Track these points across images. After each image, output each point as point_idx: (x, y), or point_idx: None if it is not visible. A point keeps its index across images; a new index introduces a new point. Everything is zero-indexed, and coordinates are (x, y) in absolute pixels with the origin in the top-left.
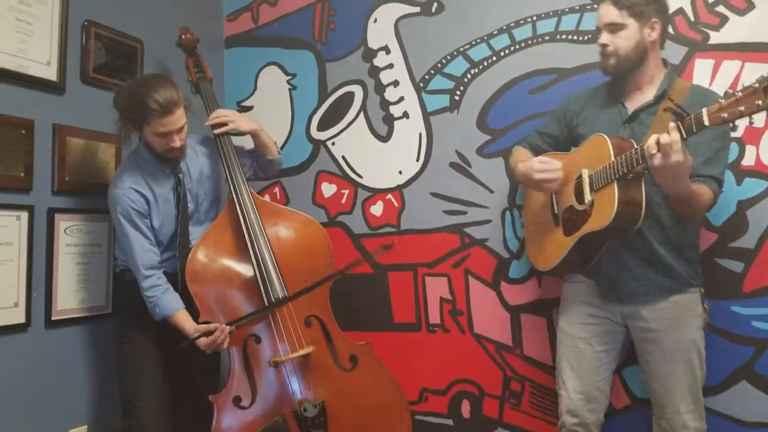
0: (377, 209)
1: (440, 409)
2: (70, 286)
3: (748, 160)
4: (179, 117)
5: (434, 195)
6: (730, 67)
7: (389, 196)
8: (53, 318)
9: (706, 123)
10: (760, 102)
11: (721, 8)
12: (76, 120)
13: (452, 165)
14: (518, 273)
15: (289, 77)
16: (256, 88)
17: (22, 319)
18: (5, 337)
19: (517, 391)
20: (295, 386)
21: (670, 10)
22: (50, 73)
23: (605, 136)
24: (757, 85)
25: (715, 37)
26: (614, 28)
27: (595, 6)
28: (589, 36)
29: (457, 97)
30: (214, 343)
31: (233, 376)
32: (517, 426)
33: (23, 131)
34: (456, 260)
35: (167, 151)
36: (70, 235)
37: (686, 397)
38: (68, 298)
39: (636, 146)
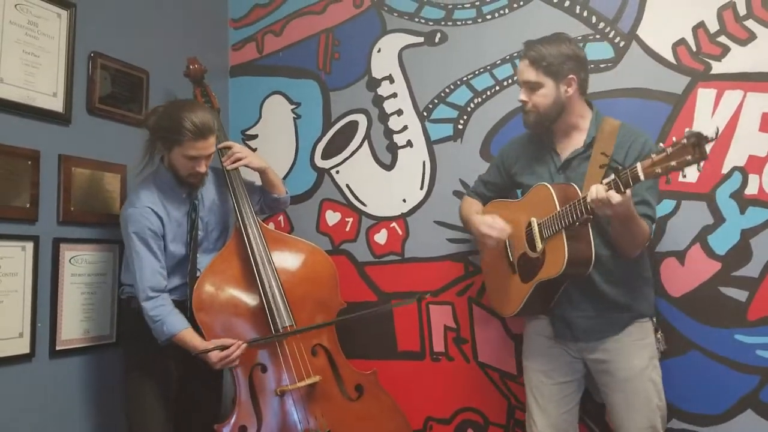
0: (381, 237)
1: None
2: (75, 315)
3: (752, 189)
4: (211, 144)
5: (438, 223)
6: (732, 96)
7: (393, 224)
8: (58, 348)
9: (642, 178)
10: (689, 157)
11: (722, 38)
12: (82, 150)
13: (456, 193)
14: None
15: (294, 106)
16: (260, 116)
17: (26, 350)
18: (10, 368)
19: (521, 420)
20: (302, 415)
21: (674, 39)
22: (56, 105)
23: (548, 185)
24: (685, 141)
25: (717, 67)
26: (531, 86)
27: (598, 36)
28: (592, 66)
29: (460, 126)
30: (227, 358)
31: (239, 405)
32: None
33: (29, 162)
34: (460, 288)
35: (191, 176)
36: (75, 265)
37: (643, 429)
38: (73, 328)
39: (579, 192)
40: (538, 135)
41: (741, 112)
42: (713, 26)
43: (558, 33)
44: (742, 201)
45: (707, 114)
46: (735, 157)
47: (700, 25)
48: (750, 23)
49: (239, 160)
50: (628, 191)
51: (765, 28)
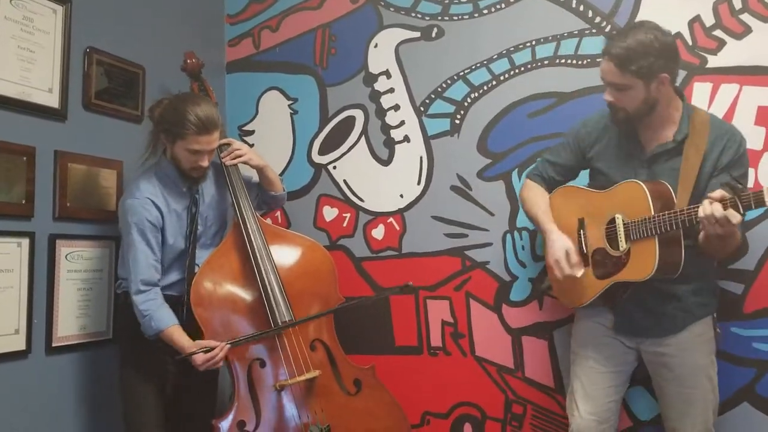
0: (379, 233)
1: None
2: (71, 312)
3: (748, 183)
4: (215, 138)
5: (435, 218)
6: (728, 90)
7: (390, 219)
8: (54, 344)
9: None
10: None
11: (718, 32)
12: (78, 146)
13: (453, 188)
14: (519, 295)
15: (291, 102)
16: (257, 112)
17: (22, 346)
18: (5, 364)
19: (518, 413)
20: (300, 410)
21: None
22: (52, 100)
23: (642, 184)
24: None
25: (713, 61)
26: (618, 87)
27: (594, 31)
28: (588, 60)
29: (457, 121)
30: (210, 360)
31: (237, 400)
32: None
33: (25, 158)
34: (457, 283)
35: (193, 170)
36: (71, 261)
37: (697, 424)
38: (69, 325)
39: (674, 194)
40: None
41: (737, 106)
42: (709, 20)
43: (642, 22)
44: None
45: (703, 108)
46: None
47: (696, 19)
48: (745, 17)
49: (239, 157)
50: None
51: (760, 22)
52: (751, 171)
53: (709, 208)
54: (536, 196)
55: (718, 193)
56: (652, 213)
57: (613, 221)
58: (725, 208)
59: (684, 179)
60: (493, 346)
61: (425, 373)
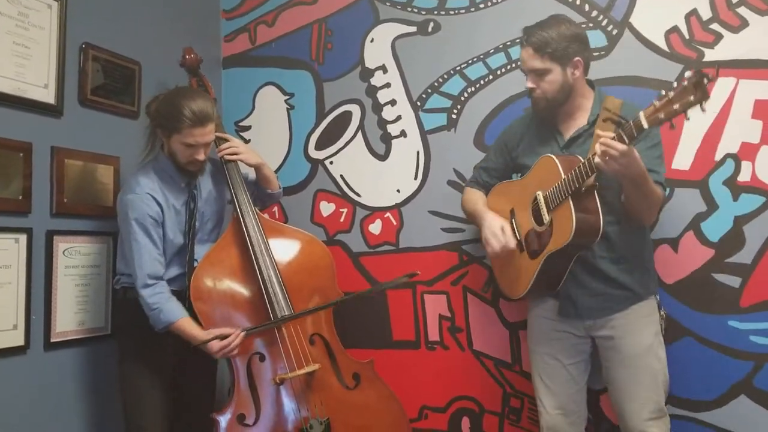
0: (376, 228)
1: (440, 426)
2: (70, 307)
3: (744, 176)
4: (210, 131)
5: (432, 213)
6: (725, 83)
7: (388, 214)
8: (52, 340)
9: (645, 125)
10: (692, 97)
11: (715, 26)
12: (75, 142)
13: (450, 183)
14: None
15: (287, 97)
16: (254, 107)
17: (21, 342)
18: (4, 360)
19: (516, 407)
20: (300, 404)
21: (667, 27)
22: (48, 96)
23: (552, 155)
24: (686, 82)
25: (710, 55)
26: (539, 73)
27: (591, 25)
28: None
29: (454, 116)
30: (227, 347)
31: (237, 394)
32: None
33: (21, 154)
34: (455, 277)
35: (190, 164)
36: (69, 257)
37: (648, 404)
38: (67, 320)
39: (582, 160)
40: (540, 117)
41: (734, 99)
42: (706, 14)
43: (554, 15)
44: (735, 188)
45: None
46: (728, 144)
47: (693, 13)
48: (742, 10)
49: (235, 154)
50: (632, 148)
51: (757, 15)
52: (748, 164)
53: (599, 146)
54: (473, 196)
55: None
56: (563, 177)
57: (535, 199)
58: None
59: (592, 149)
60: (491, 341)
61: (423, 368)
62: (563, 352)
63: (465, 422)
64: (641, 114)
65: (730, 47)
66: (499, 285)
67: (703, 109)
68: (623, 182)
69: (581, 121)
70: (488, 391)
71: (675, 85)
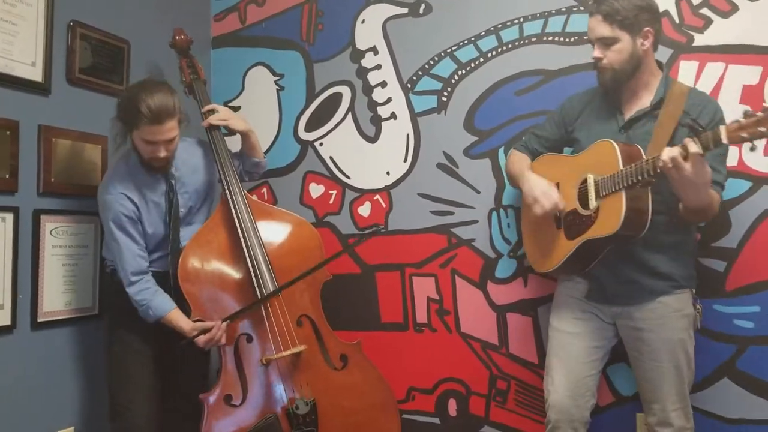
0: (365, 210)
1: (427, 407)
2: (57, 287)
3: (731, 161)
4: (169, 129)
5: (422, 195)
6: (714, 68)
7: (377, 196)
8: (39, 320)
9: (724, 141)
10: None
11: (705, 11)
12: (62, 121)
13: (439, 166)
14: (505, 273)
15: (277, 77)
16: (243, 88)
17: (8, 321)
18: None
19: (503, 389)
20: (286, 384)
21: None
22: (35, 74)
23: (613, 142)
24: None
25: (700, 39)
26: (606, 41)
27: (582, 8)
28: (576, 38)
29: (444, 98)
30: (212, 340)
31: (225, 375)
32: (503, 424)
33: (8, 132)
34: (443, 260)
35: (152, 160)
36: (56, 236)
37: (672, 395)
38: (54, 300)
39: (644, 154)
40: (604, 92)
41: (722, 85)
42: None
43: None
44: None
45: (689, 85)
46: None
47: None
48: None
49: (222, 120)
50: (707, 168)
51: (747, 1)
52: (735, 149)
53: (667, 151)
54: (519, 161)
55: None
56: (620, 168)
57: (585, 181)
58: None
59: (656, 140)
60: (478, 323)
61: (411, 350)
62: (586, 334)
63: (452, 404)
64: (722, 129)
65: (719, 32)
66: (527, 255)
67: None
68: (684, 190)
69: (645, 100)
70: (475, 373)
71: (766, 105)
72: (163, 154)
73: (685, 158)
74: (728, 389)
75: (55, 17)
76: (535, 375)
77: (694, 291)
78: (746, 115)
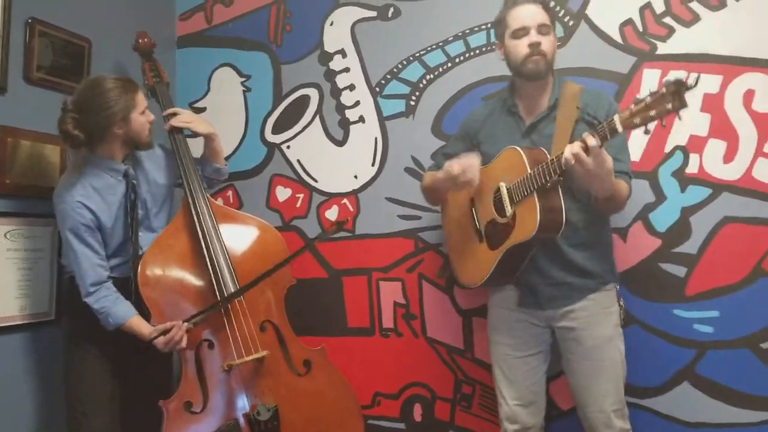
0: (332, 214)
1: (392, 413)
2: (11, 292)
3: (692, 168)
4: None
5: (389, 200)
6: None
7: (344, 200)
8: None
9: (620, 130)
10: (669, 105)
11: (668, 20)
12: (19, 121)
13: (407, 170)
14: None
15: (244, 79)
16: (209, 89)
17: None
18: None
19: (468, 393)
20: (248, 391)
21: (622, 20)
22: None
23: (518, 148)
24: (664, 89)
25: (663, 48)
26: (544, 30)
27: None
28: None
29: (412, 103)
30: (171, 341)
31: (185, 381)
32: (468, 428)
33: None
34: (410, 265)
35: (150, 132)
36: (11, 239)
37: (609, 395)
38: (8, 305)
39: (548, 155)
40: (500, 100)
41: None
42: (659, 7)
43: None
44: (683, 179)
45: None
46: (677, 136)
47: (647, 6)
48: (694, 5)
49: (185, 122)
50: (608, 158)
51: (709, 11)
52: (696, 156)
53: (569, 148)
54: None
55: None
56: (528, 171)
57: (498, 190)
58: (583, 145)
59: (557, 141)
60: (444, 328)
61: (377, 354)
62: (523, 343)
63: (417, 409)
64: (616, 118)
65: (682, 41)
66: (455, 273)
67: (679, 117)
68: (590, 181)
69: (542, 103)
70: (440, 378)
71: (652, 90)
72: (152, 115)
73: (586, 152)
74: (688, 393)
75: (13, 14)
76: None
77: (617, 286)
78: (636, 102)
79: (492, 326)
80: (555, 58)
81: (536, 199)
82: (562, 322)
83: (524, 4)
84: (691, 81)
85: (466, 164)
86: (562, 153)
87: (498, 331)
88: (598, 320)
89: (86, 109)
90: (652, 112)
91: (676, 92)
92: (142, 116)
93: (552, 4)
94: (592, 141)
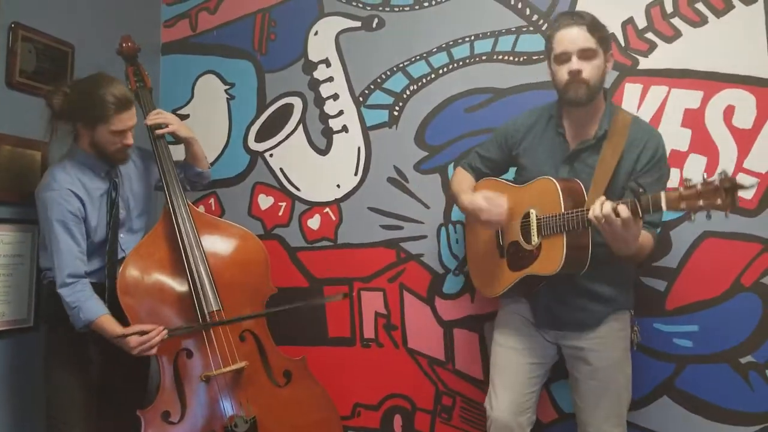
0: (314, 222)
1: (373, 424)
2: None
3: (673, 183)
4: (134, 114)
5: (372, 209)
6: (657, 92)
7: (327, 209)
8: None
9: (664, 208)
10: (719, 201)
11: (650, 35)
12: (1, 126)
13: (390, 180)
14: (452, 288)
15: (228, 86)
16: (192, 96)
17: None
18: None
19: (448, 405)
20: (227, 401)
21: None
22: None
23: (555, 181)
24: (718, 183)
25: (644, 63)
26: (587, 54)
27: (531, 28)
28: (525, 57)
29: (396, 113)
30: (146, 343)
31: (162, 391)
32: None
33: None
34: (392, 275)
35: (119, 151)
36: None
37: (610, 417)
38: None
39: (585, 192)
40: (548, 114)
41: (665, 108)
42: (641, 22)
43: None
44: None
45: (633, 108)
46: None
47: (629, 21)
48: (676, 21)
49: (165, 125)
50: (638, 225)
51: (690, 27)
52: (675, 171)
53: (597, 209)
54: (462, 181)
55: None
56: (562, 210)
57: (527, 215)
58: (616, 206)
59: (597, 178)
60: (425, 339)
61: (357, 365)
62: (532, 351)
63: (397, 420)
64: (663, 196)
65: (663, 56)
66: (473, 279)
67: (726, 215)
68: (614, 241)
69: (590, 130)
70: (421, 389)
71: (705, 177)
72: (131, 140)
73: (618, 215)
74: (667, 407)
75: None
76: (481, 391)
77: (632, 312)
78: (687, 185)
79: (501, 329)
80: (603, 83)
81: (564, 240)
82: (572, 341)
83: (568, 26)
84: (747, 183)
85: (495, 212)
86: (587, 211)
87: (507, 336)
88: (608, 343)
89: (74, 92)
90: (701, 202)
91: (730, 189)
92: (111, 135)
93: (536, 17)
94: (625, 213)
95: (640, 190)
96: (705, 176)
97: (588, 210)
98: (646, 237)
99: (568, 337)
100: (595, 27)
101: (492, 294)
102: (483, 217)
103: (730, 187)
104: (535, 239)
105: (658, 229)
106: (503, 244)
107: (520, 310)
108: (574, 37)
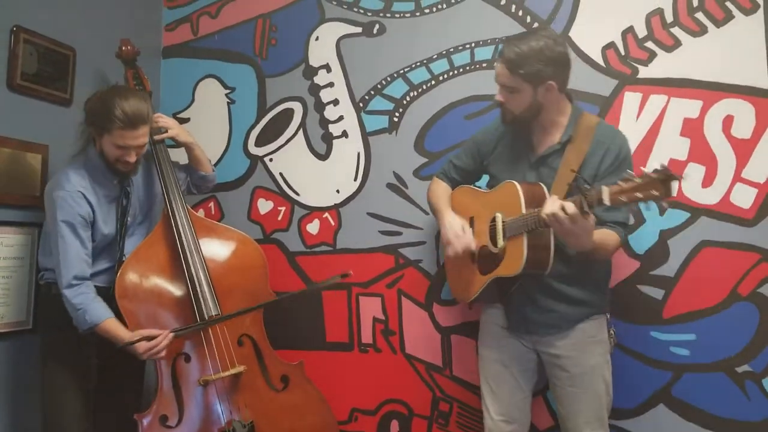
0: (313, 227)
1: (369, 429)
2: None
3: None
4: (142, 134)
5: (371, 215)
6: (657, 101)
7: (326, 214)
8: None
9: (607, 203)
10: (655, 192)
11: (650, 44)
12: (1, 128)
13: (389, 186)
14: (450, 294)
15: (228, 91)
16: (193, 100)
17: None
18: None
19: (445, 411)
20: (224, 406)
21: (604, 43)
22: None
23: (517, 185)
24: (655, 175)
25: (644, 72)
26: (508, 89)
27: None
28: None
29: (396, 119)
30: (154, 348)
31: (160, 395)
32: None
33: None
34: (390, 280)
35: (119, 162)
36: None
37: (591, 422)
38: None
39: (547, 193)
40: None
41: (664, 117)
42: (642, 32)
43: (538, 29)
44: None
45: (632, 117)
46: (657, 160)
47: (629, 30)
48: (676, 30)
49: (166, 131)
50: (589, 220)
51: (690, 36)
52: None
53: (548, 207)
54: (439, 190)
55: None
56: (523, 212)
57: (494, 219)
58: (577, 207)
59: (558, 180)
60: (423, 344)
61: (355, 370)
62: (512, 359)
63: (394, 425)
64: (605, 190)
65: (663, 66)
66: (449, 285)
67: (665, 205)
68: (565, 237)
69: (555, 137)
70: (418, 395)
71: (644, 170)
72: (133, 159)
73: (565, 212)
74: (663, 415)
75: None
76: (478, 397)
77: (608, 315)
78: (626, 180)
79: (483, 342)
80: (536, 109)
81: (525, 241)
82: (548, 348)
83: (497, 59)
84: (683, 173)
85: (459, 248)
86: (539, 210)
87: (488, 346)
88: (584, 349)
89: (96, 97)
90: (639, 194)
91: (666, 180)
92: (114, 147)
93: (536, 25)
94: (571, 209)
95: (585, 186)
96: (643, 170)
97: (534, 213)
98: (609, 235)
99: (542, 343)
100: (516, 65)
101: (467, 299)
102: (449, 251)
103: (665, 177)
104: (500, 242)
105: (624, 231)
106: (474, 250)
107: (496, 319)
108: (497, 72)
